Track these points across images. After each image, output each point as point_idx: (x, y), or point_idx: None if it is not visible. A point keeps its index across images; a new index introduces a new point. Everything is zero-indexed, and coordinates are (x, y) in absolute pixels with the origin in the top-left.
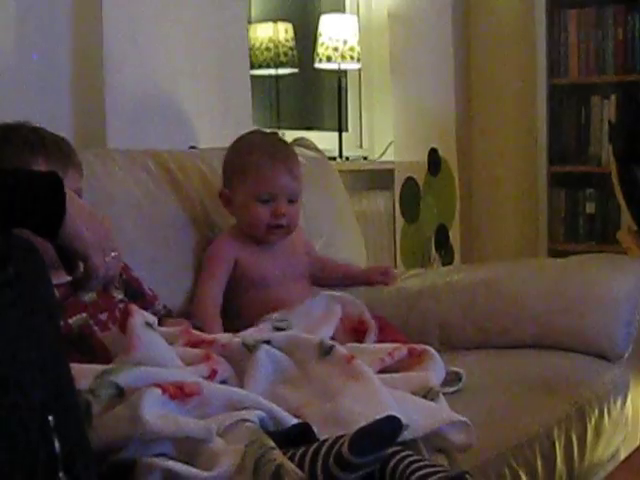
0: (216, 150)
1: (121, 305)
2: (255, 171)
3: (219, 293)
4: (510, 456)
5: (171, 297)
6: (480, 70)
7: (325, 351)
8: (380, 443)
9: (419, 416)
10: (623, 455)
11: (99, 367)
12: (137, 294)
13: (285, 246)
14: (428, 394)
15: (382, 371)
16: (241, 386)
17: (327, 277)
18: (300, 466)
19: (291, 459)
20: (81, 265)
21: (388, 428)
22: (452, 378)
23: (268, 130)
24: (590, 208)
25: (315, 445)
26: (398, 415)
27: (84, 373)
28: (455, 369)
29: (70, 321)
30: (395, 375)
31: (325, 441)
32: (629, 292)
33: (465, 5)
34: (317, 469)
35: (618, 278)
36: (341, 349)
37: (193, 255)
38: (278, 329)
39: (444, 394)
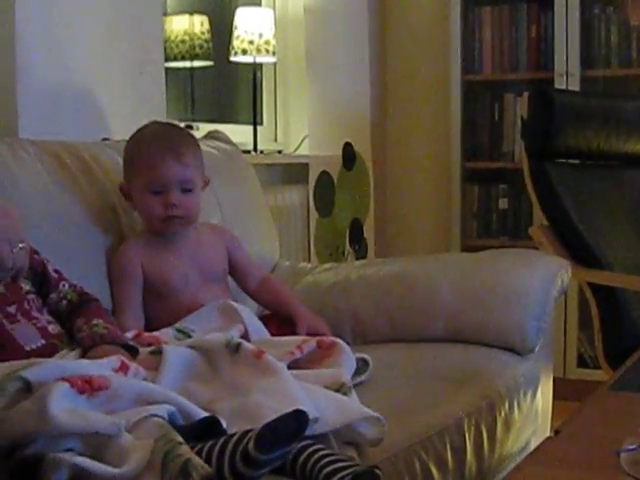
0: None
1: (30, 296)
2: (144, 161)
3: (138, 309)
4: (420, 448)
5: (82, 284)
6: (395, 66)
7: (233, 349)
8: (286, 439)
9: (330, 410)
10: (533, 448)
11: (8, 365)
12: (42, 279)
13: (193, 246)
14: (340, 389)
15: (294, 367)
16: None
17: (257, 293)
18: (207, 461)
19: (199, 454)
20: None
21: (294, 423)
22: (360, 366)
23: (182, 123)
24: (503, 204)
25: (222, 439)
26: (305, 409)
27: None
28: (361, 355)
29: None
30: (307, 371)
31: (233, 435)
32: (539, 286)
33: (381, 1)
34: (224, 465)
35: (529, 272)
36: (249, 345)
37: (108, 243)
38: (180, 332)
39: (355, 385)
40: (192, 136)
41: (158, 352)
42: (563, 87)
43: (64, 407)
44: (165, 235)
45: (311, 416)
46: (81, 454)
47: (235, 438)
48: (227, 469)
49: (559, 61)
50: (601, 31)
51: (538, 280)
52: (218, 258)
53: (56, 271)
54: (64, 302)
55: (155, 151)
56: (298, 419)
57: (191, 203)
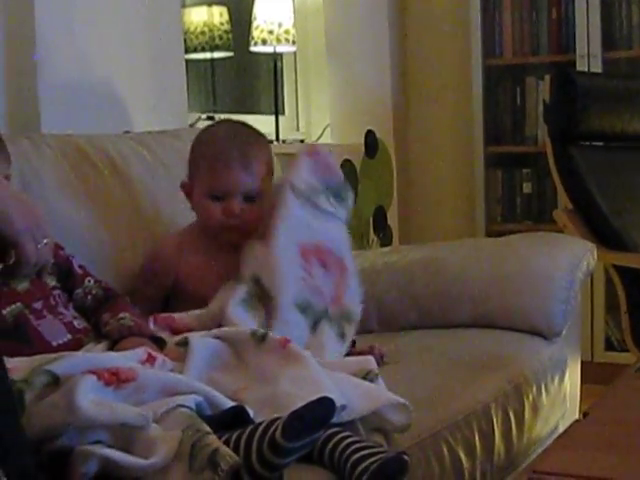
0: (153, 134)
1: (55, 292)
2: (208, 165)
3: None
4: (448, 434)
5: (107, 278)
6: (416, 52)
7: (259, 338)
8: (313, 426)
9: (357, 397)
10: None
11: (37, 359)
12: (67, 274)
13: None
14: (367, 376)
15: None
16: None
17: None
18: (235, 450)
19: (226, 443)
20: (12, 253)
21: (321, 411)
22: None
23: (204, 114)
24: (527, 188)
25: (250, 428)
26: (331, 396)
27: (22, 366)
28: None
29: (4, 312)
30: (334, 360)
31: (260, 424)
32: (565, 270)
33: None
34: (252, 453)
35: (554, 256)
36: (275, 335)
37: (133, 236)
38: None
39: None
40: (264, 140)
41: (184, 343)
42: (585, 69)
43: (91, 399)
44: (218, 241)
45: (338, 404)
46: (109, 446)
47: (262, 427)
48: (255, 458)
49: (580, 43)
50: (622, 12)
51: (563, 263)
52: None
53: (81, 267)
54: (89, 297)
55: (221, 155)
56: (325, 406)
57: (253, 213)
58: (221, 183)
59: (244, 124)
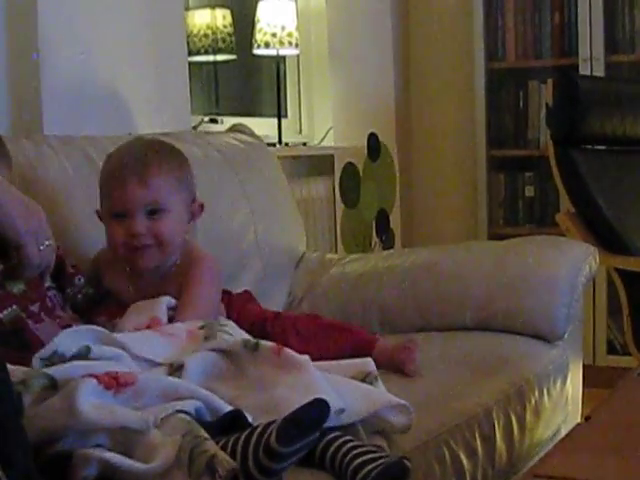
0: (157, 135)
1: (50, 293)
2: (106, 183)
3: None
4: (449, 437)
5: None
6: (419, 55)
7: (252, 348)
8: (307, 429)
9: (357, 400)
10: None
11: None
12: (58, 273)
13: (156, 287)
14: (366, 379)
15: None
16: None
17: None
18: (232, 454)
19: (224, 448)
20: (15, 254)
21: (314, 413)
22: None
23: (207, 117)
24: (529, 191)
25: (246, 433)
26: (325, 397)
27: (18, 369)
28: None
29: (0, 315)
30: (332, 362)
31: (256, 428)
32: (567, 272)
33: None
34: (249, 459)
35: (556, 259)
36: (267, 343)
37: None
38: None
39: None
40: (174, 156)
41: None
42: (587, 73)
43: (92, 403)
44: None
45: (337, 407)
46: (109, 450)
47: (258, 431)
48: (252, 463)
49: (583, 46)
50: (625, 15)
51: (565, 266)
52: None
53: (73, 266)
54: (80, 296)
55: (116, 172)
56: (318, 408)
57: (162, 227)
58: (119, 200)
59: (153, 140)
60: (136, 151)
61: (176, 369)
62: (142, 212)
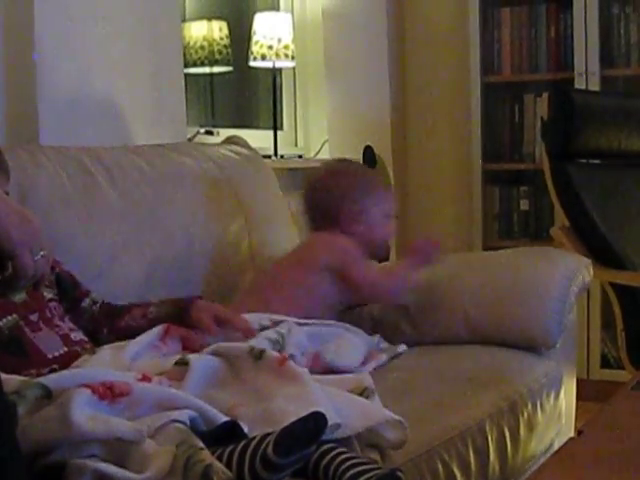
0: (153, 146)
1: (51, 304)
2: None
3: None
4: (442, 450)
5: (102, 292)
6: (414, 68)
7: (257, 355)
8: (304, 442)
9: (353, 414)
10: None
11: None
12: (73, 286)
13: None
14: (363, 393)
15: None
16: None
17: None
18: (228, 465)
19: (219, 458)
20: (9, 265)
21: (312, 425)
22: None
23: (203, 129)
24: (524, 205)
25: (242, 443)
26: (323, 411)
27: (12, 378)
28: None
29: (0, 323)
30: (330, 376)
31: (252, 439)
32: (559, 281)
33: (399, 3)
34: (244, 469)
35: (549, 268)
36: (272, 353)
37: (132, 247)
38: None
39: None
40: None
41: (183, 363)
42: (583, 87)
43: (86, 413)
44: None
45: (333, 422)
46: (104, 460)
47: (255, 442)
48: (247, 473)
49: (579, 61)
50: (620, 30)
51: (558, 275)
52: None
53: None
54: (96, 307)
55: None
56: (316, 421)
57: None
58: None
59: None
60: None
61: (179, 363)
62: None
